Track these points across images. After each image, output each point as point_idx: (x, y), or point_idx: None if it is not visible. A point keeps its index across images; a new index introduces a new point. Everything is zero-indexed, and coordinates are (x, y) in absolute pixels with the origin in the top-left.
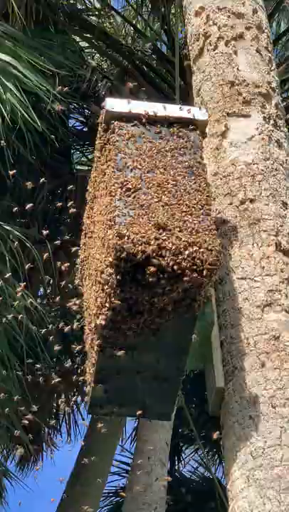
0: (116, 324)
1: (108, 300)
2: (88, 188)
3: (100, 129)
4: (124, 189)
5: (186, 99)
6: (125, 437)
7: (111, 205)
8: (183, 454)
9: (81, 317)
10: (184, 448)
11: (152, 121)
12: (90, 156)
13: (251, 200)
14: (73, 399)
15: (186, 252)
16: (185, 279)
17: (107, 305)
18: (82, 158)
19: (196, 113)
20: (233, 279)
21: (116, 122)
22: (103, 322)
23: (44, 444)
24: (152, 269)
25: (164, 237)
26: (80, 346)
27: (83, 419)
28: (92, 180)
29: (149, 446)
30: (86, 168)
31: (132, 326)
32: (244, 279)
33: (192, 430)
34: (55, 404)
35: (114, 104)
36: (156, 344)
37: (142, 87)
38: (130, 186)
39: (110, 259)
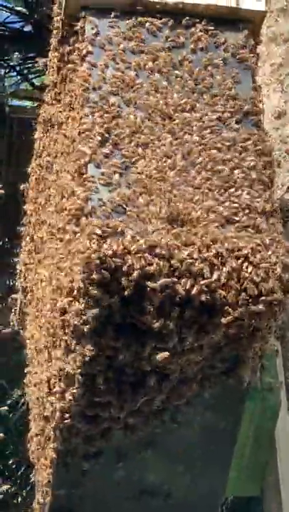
0: (89, 408)
1: (74, 363)
2: (36, 139)
3: (56, 26)
4: (102, 145)
5: None
6: None
7: (78, 179)
8: None
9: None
10: None
11: (158, 12)
12: (36, 81)
13: None
14: None
15: (226, 269)
16: (223, 321)
17: (70, 370)
18: (23, 86)
19: None
20: None
21: (87, 15)
22: (64, 406)
23: None
24: (155, 302)
25: (177, 239)
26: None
27: None
28: (42, 125)
29: None
30: (28, 104)
31: (116, 413)
32: None
33: None
34: None
35: None
36: (168, 448)
37: None
38: (114, 137)
39: (79, 283)
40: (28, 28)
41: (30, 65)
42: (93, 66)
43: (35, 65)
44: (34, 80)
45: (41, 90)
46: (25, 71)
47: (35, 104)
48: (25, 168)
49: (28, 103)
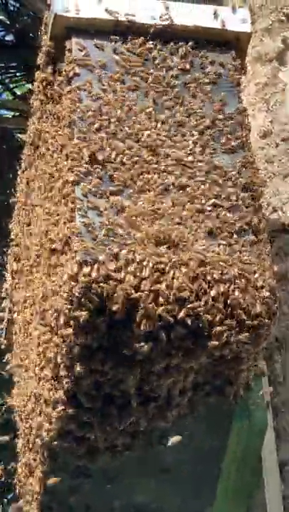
0: (76, 429)
1: (62, 384)
2: (25, 153)
3: (43, 48)
4: (90, 169)
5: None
6: None
7: (66, 202)
8: None
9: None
10: None
11: (147, 34)
12: (18, 92)
13: None
14: None
15: (212, 293)
16: (209, 345)
17: (57, 391)
18: (4, 95)
19: (229, 18)
20: None
21: (74, 37)
22: (51, 427)
23: None
24: (144, 328)
25: (164, 262)
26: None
27: None
28: (29, 145)
29: None
30: (10, 114)
31: (103, 434)
32: None
33: None
34: None
35: (72, 2)
36: (157, 468)
37: None
38: (102, 162)
39: (67, 307)
40: (9, 38)
41: (11, 75)
42: (80, 88)
43: (17, 74)
44: (16, 90)
45: (23, 100)
46: (7, 80)
47: (17, 114)
48: (6, 178)
49: (9, 113)
